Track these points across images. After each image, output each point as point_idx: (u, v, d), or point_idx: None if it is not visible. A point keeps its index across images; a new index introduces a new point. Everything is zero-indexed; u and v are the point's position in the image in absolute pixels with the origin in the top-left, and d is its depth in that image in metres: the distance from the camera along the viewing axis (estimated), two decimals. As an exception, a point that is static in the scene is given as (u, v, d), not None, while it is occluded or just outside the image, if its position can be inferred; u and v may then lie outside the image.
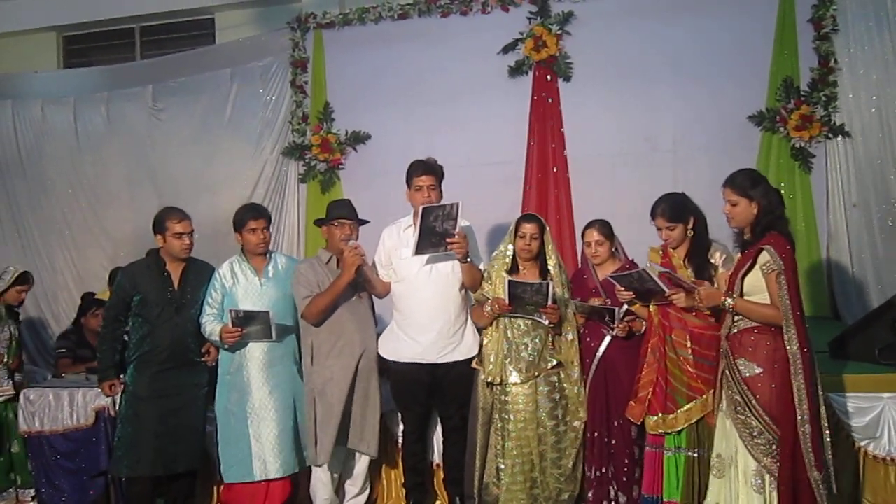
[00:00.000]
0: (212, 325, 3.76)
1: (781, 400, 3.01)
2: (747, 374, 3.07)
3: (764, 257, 3.04)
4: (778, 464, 3.00)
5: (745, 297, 3.11)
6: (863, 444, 3.78)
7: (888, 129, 5.47)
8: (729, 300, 3.10)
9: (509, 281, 3.49)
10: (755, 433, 3.04)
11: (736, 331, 3.14)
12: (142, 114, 6.79)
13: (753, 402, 3.03)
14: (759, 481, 3.04)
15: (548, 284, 3.43)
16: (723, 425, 3.19)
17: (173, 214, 3.87)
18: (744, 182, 3.16)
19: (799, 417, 2.97)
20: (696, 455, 3.39)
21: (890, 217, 5.49)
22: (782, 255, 3.00)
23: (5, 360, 4.55)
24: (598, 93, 5.88)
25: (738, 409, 3.08)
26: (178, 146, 6.68)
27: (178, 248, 3.85)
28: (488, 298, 3.67)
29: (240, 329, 3.64)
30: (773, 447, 3.01)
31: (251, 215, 3.84)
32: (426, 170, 3.70)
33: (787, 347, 2.99)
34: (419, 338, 3.72)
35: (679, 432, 3.40)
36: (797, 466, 2.98)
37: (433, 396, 3.83)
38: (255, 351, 3.79)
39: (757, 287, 3.09)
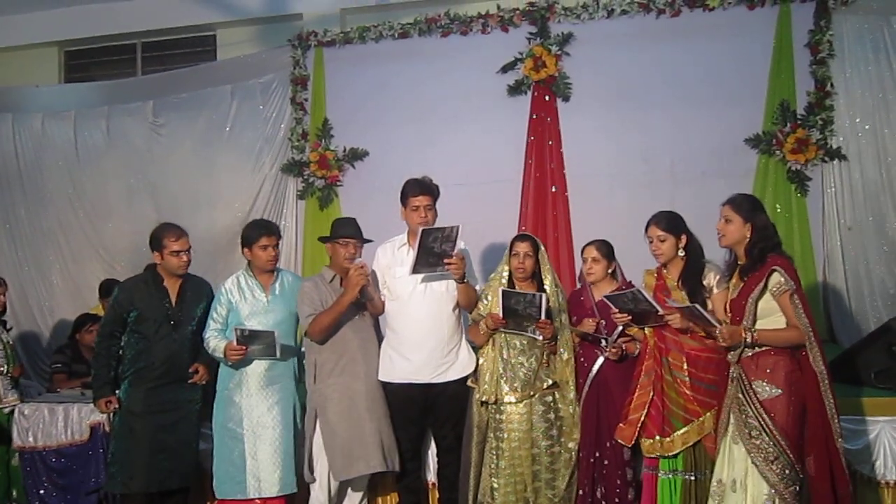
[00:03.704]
0: (216, 341, 3.74)
1: (799, 422, 3.03)
2: (765, 397, 3.06)
3: (776, 278, 3.05)
4: (790, 489, 3.00)
5: (757, 322, 3.11)
6: (858, 466, 3.78)
7: (884, 153, 5.52)
8: (749, 336, 3.07)
9: (503, 291, 3.50)
10: (771, 458, 3.02)
11: (750, 354, 3.12)
12: (142, 129, 6.79)
13: (770, 425, 3.02)
14: None
15: (541, 296, 3.44)
16: (727, 451, 3.16)
17: (170, 232, 3.87)
18: (744, 203, 3.21)
19: (835, 432, 3.01)
20: (692, 478, 3.38)
21: (886, 240, 5.52)
22: (790, 274, 3.03)
23: (6, 370, 4.54)
24: (596, 113, 5.92)
25: (754, 433, 3.05)
26: (178, 161, 6.69)
27: (175, 265, 3.85)
28: (484, 317, 3.68)
29: (244, 347, 3.64)
30: (787, 471, 3.01)
31: (264, 232, 3.82)
32: (423, 190, 3.72)
33: (814, 367, 3.03)
34: (412, 356, 3.72)
35: (675, 455, 3.39)
36: (837, 483, 3.02)
37: (427, 415, 3.82)
38: (256, 368, 3.79)
39: (767, 310, 3.10)
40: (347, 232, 3.81)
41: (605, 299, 3.50)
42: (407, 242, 3.80)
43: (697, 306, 3.17)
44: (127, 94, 6.90)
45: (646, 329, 3.49)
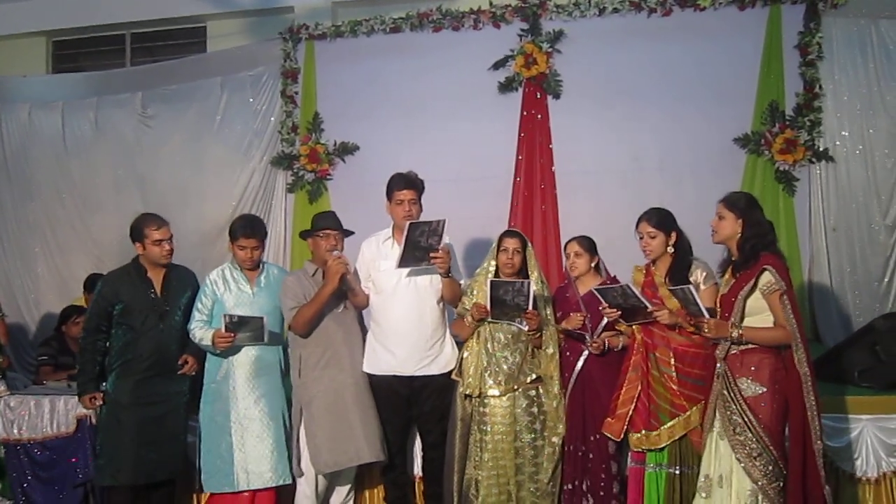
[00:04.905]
0: (202, 332, 3.74)
1: (782, 419, 3.07)
2: (749, 394, 3.09)
3: (766, 277, 3.08)
4: (774, 485, 3.04)
5: (746, 319, 3.13)
6: (841, 464, 3.83)
7: (870, 155, 5.56)
8: (736, 331, 3.09)
9: (491, 281, 3.52)
10: (754, 454, 3.05)
11: (736, 351, 3.15)
12: (130, 120, 6.74)
13: (754, 422, 3.05)
14: (753, 501, 3.05)
15: (529, 283, 3.46)
16: (714, 446, 3.19)
17: (151, 221, 3.85)
18: (738, 200, 3.25)
19: (813, 433, 3.03)
20: (677, 472, 3.41)
21: (870, 241, 5.58)
22: (781, 274, 3.05)
23: None
24: (586, 110, 5.93)
25: (738, 429, 3.08)
26: (167, 154, 6.64)
27: (158, 255, 3.84)
28: (469, 310, 3.69)
29: (232, 334, 3.63)
30: (770, 468, 3.04)
31: (242, 233, 3.81)
32: (407, 184, 3.74)
33: (798, 368, 3.05)
34: (395, 349, 3.75)
35: (661, 449, 3.42)
36: (809, 482, 3.04)
37: (412, 409, 3.85)
38: (243, 360, 3.79)
39: (755, 308, 3.13)
40: (327, 224, 3.83)
41: (594, 291, 3.51)
42: (392, 236, 3.83)
43: (690, 288, 3.19)
44: (116, 85, 6.84)
45: (633, 327, 3.51)
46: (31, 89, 6.98)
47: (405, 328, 3.76)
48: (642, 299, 3.34)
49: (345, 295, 3.81)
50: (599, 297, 3.46)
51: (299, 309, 3.68)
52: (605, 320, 3.55)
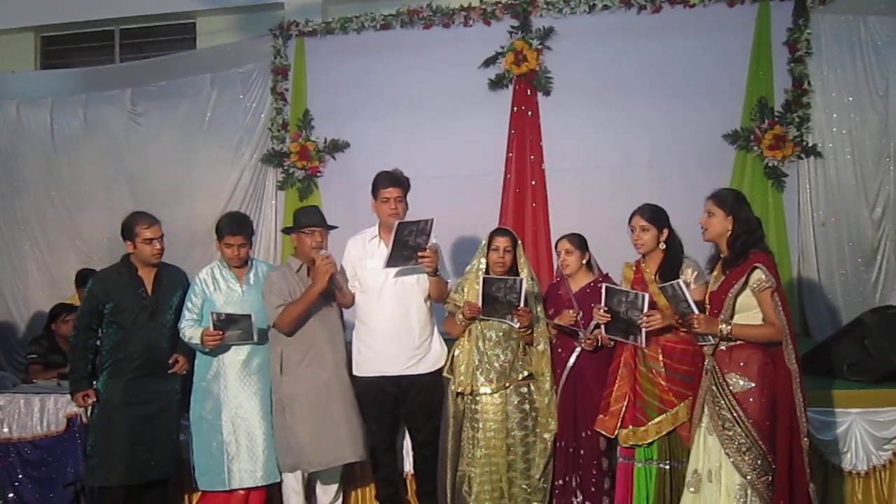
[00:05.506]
0: (191, 330, 3.72)
1: (771, 414, 3.07)
2: (738, 390, 3.10)
3: (757, 275, 3.09)
4: (763, 479, 3.05)
5: (735, 316, 3.14)
6: (830, 457, 3.86)
7: (858, 150, 5.62)
8: (724, 326, 3.09)
9: (484, 278, 3.52)
10: (743, 448, 3.06)
11: (724, 347, 3.16)
12: (120, 117, 6.72)
13: (743, 417, 3.06)
14: (742, 495, 3.07)
15: (521, 280, 3.46)
16: (702, 441, 3.20)
17: (142, 220, 3.82)
18: (726, 197, 3.25)
19: (801, 429, 3.04)
20: (666, 467, 3.42)
21: (858, 236, 5.63)
22: (771, 271, 3.07)
23: None
24: (577, 107, 5.94)
25: (727, 424, 3.09)
26: (157, 151, 6.63)
27: (148, 253, 3.81)
28: (460, 308, 3.69)
29: (221, 332, 3.62)
30: (759, 462, 3.06)
31: (228, 231, 3.78)
32: (392, 182, 3.72)
33: (788, 364, 3.06)
34: (383, 349, 3.74)
35: (650, 444, 3.43)
36: (795, 479, 3.05)
37: (400, 407, 3.84)
38: (234, 358, 3.78)
39: (745, 305, 3.14)
40: (312, 220, 3.79)
41: (605, 285, 3.46)
42: (378, 235, 3.81)
43: (680, 283, 3.17)
44: (105, 81, 6.81)
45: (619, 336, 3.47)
46: (19, 85, 6.95)
47: (392, 327, 3.74)
48: (643, 317, 3.27)
49: (332, 294, 3.78)
50: (604, 294, 3.42)
51: (286, 307, 3.65)
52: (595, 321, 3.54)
